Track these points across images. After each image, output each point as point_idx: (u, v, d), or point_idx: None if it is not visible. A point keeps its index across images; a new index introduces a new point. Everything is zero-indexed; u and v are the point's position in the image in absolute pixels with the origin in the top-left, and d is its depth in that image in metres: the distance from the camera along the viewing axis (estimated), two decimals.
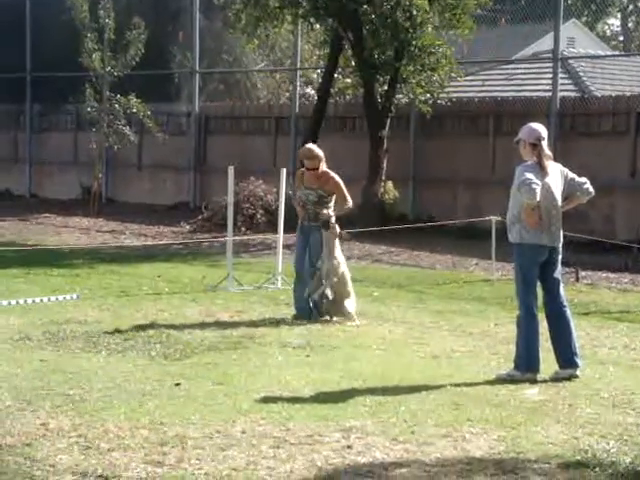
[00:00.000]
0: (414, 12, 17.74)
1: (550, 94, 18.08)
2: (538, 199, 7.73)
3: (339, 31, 18.68)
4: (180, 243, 17.56)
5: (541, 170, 7.87)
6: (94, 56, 22.30)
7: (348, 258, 15.37)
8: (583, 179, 8.19)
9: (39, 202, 25.29)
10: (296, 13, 18.96)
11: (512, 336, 8.31)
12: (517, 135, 8.10)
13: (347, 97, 21.02)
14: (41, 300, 11.23)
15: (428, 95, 18.75)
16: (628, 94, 18.37)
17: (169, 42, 24.96)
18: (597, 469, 5.72)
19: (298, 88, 22.07)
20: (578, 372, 7.95)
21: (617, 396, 7.41)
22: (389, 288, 12.95)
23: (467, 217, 16.85)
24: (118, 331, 9.55)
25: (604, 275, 13.99)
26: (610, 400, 7.29)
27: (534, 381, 7.79)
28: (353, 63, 19.08)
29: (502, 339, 9.46)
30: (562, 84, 18.89)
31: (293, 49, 22.34)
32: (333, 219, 10.54)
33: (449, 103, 19.25)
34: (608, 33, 44.63)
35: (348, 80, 20.62)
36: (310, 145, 10.99)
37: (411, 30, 17.86)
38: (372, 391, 7.38)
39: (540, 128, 8.05)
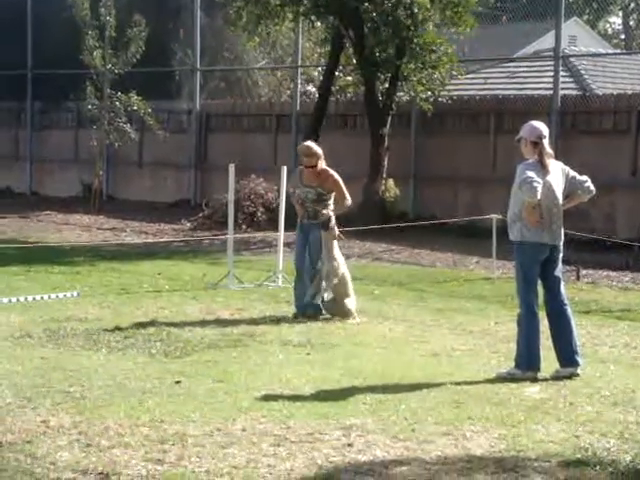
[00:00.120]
0: (415, 10, 17.74)
1: (551, 92, 18.08)
2: (539, 197, 7.72)
3: (340, 29, 18.67)
4: (181, 241, 17.57)
5: (542, 168, 7.87)
6: (95, 53, 22.30)
7: (348, 257, 15.40)
8: (584, 177, 8.18)
9: (40, 199, 25.29)
10: (297, 11, 18.96)
11: (513, 334, 8.31)
12: (518, 133, 8.09)
13: (348, 95, 21.01)
14: (42, 298, 11.23)
15: (429, 93, 18.75)
16: (629, 92, 18.36)
17: (170, 39, 24.95)
18: (597, 467, 5.71)
19: (299, 86, 22.07)
20: (579, 370, 7.94)
21: (618, 394, 7.40)
22: (390, 286, 12.94)
23: (468, 215, 16.84)
24: (118, 329, 9.55)
25: (605, 273, 13.99)
26: (611, 398, 7.29)
27: (535, 379, 7.78)
28: (354, 61, 19.08)
29: (503, 337, 9.46)
30: (563, 82, 18.88)
31: (294, 47, 22.33)
32: (333, 218, 10.54)
33: (450, 101, 19.23)
34: (609, 31, 44.62)
35: (349, 78, 20.61)
36: (308, 142, 10.98)
37: (412, 28, 17.86)
38: (372, 389, 7.37)
39: (541, 126, 8.04)
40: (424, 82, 18.64)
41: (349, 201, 10.68)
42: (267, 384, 7.49)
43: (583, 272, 13.79)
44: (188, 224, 19.72)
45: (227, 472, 5.54)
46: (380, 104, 18.51)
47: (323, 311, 10.47)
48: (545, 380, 7.81)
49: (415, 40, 17.96)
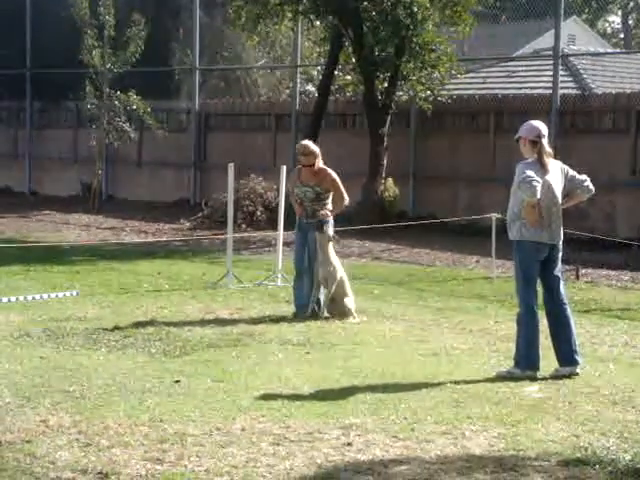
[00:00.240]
0: (415, 9, 17.74)
1: (551, 91, 18.08)
2: (538, 197, 7.72)
3: (339, 28, 18.67)
4: (180, 240, 17.57)
5: (541, 168, 7.86)
6: (94, 53, 22.32)
7: (348, 256, 15.41)
8: (583, 177, 8.18)
9: (39, 199, 25.29)
10: (296, 10, 18.97)
11: (512, 334, 8.31)
12: (517, 132, 8.09)
13: (347, 94, 21.01)
14: (41, 297, 11.23)
15: (428, 92, 18.76)
16: (628, 92, 18.36)
17: (169, 39, 24.96)
18: (597, 466, 5.71)
19: (298, 85, 22.07)
20: (578, 370, 7.94)
21: (617, 394, 7.40)
22: (389, 285, 12.95)
23: (467, 215, 16.83)
24: (118, 328, 9.55)
25: (604, 273, 14.00)
26: (610, 398, 7.29)
27: (534, 378, 7.78)
28: (353, 60, 19.07)
29: (502, 337, 9.46)
30: (562, 81, 18.88)
31: (293, 46, 22.32)
32: (330, 218, 10.54)
33: (449, 100, 19.23)
34: (609, 30, 44.65)
35: (348, 77, 20.61)
36: (306, 142, 10.97)
37: (412, 27, 17.85)
38: (372, 388, 7.37)
39: (540, 125, 8.04)
40: (423, 81, 18.64)
41: (347, 200, 10.68)
42: (266, 383, 7.49)
43: (582, 271, 13.79)
44: (187, 223, 19.72)
45: (226, 471, 5.54)
46: (379, 103, 18.50)
47: (323, 312, 10.46)
48: (544, 379, 7.81)
49: (414, 39, 17.95)
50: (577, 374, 7.90)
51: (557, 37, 18.05)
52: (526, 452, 5.98)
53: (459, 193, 19.15)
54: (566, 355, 7.96)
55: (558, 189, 8.01)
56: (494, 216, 13.38)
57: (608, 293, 12.51)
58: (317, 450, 5.92)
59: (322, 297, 10.47)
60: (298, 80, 22.06)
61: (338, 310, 10.41)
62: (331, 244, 10.45)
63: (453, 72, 19.24)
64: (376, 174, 18.52)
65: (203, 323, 9.96)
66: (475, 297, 12.06)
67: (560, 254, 8.11)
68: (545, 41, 23.77)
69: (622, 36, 43.72)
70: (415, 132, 19.78)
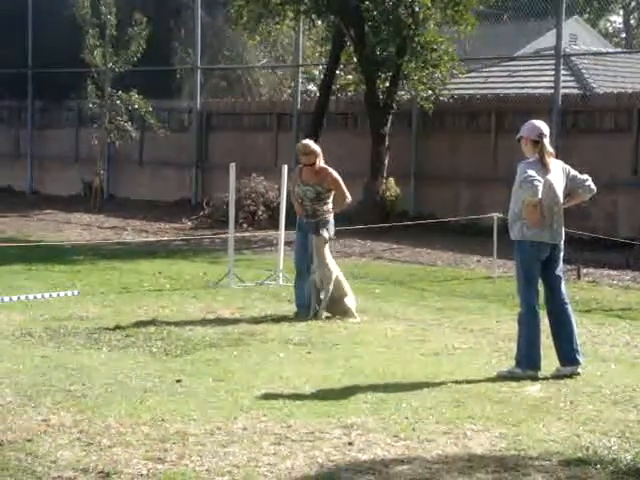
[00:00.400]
0: (416, 8, 17.75)
1: (552, 91, 18.08)
2: (540, 196, 7.72)
3: (341, 27, 18.68)
4: (181, 239, 17.57)
5: (543, 167, 7.86)
6: (96, 52, 22.33)
7: (349, 255, 15.43)
8: (585, 176, 8.18)
9: (40, 198, 25.29)
10: (298, 9, 18.97)
11: (513, 333, 8.31)
12: (519, 132, 8.09)
13: (349, 94, 21.01)
14: (42, 296, 11.24)
15: (430, 92, 18.76)
16: (630, 91, 18.36)
17: (171, 38, 24.96)
18: (598, 466, 5.71)
19: (300, 85, 22.07)
20: (579, 369, 7.94)
21: (618, 393, 7.40)
22: (390, 285, 12.94)
23: (469, 214, 16.83)
24: (119, 327, 9.55)
25: (606, 272, 13.99)
26: (611, 397, 7.29)
27: (535, 378, 7.78)
28: (355, 60, 19.08)
29: (503, 336, 9.45)
30: (564, 81, 18.87)
31: (295, 45, 22.32)
32: (331, 218, 10.54)
33: (451, 100, 19.23)
34: (610, 30, 44.63)
35: (350, 77, 20.61)
36: (306, 141, 10.98)
37: (413, 27, 17.86)
38: (373, 388, 7.37)
39: (542, 125, 8.03)
40: (425, 81, 18.64)
41: (349, 199, 10.68)
42: (268, 383, 7.49)
43: (584, 271, 13.79)
44: (189, 223, 19.73)
45: (228, 471, 5.54)
46: (381, 103, 18.50)
47: (321, 314, 10.44)
48: (546, 379, 7.81)
49: (416, 39, 17.96)
50: (578, 374, 7.90)
51: (559, 37, 18.05)
52: (527, 452, 5.98)
53: (460, 193, 19.15)
54: (567, 355, 7.96)
55: (559, 189, 8.01)
56: (495, 216, 13.38)
57: (609, 293, 12.51)
58: (318, 449, 5.92)
59: (322, 297, 10.46)
60: (299, 80, 22.06)
61: (339, 310, 10.41)
62: (327, 246, 10.43)
63: (454, 72, 19.24)
64: (377, 174, 18.52)
65: (204, 322, 9.96)
66: (476, 297, 12.06)
67: (561, 254, 8.10)
68: (547, 41, 23.75)
69: (624, 36, 43.71)
70: (416, 132, 19.79)
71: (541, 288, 8.07)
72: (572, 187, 8.13)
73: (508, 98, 19.22)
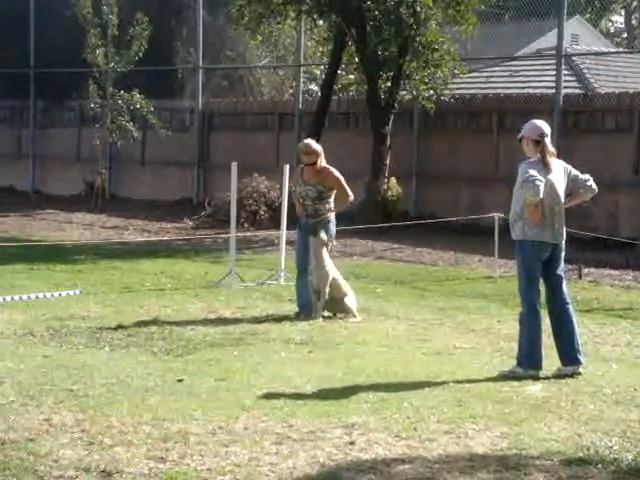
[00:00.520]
0: (418, 8, 17.75)
1: (553, 91, 18.08)
2: (541, 196, 7.72)
3: (342, 27, 18.68)
4: (183, 239, 17.58)
5: (544, 167, 7.86)
6: (97, 52, 22.35)
7: (351, 255, 15.43)
8: (586, 176, 8.18)
9: (42, 198, 25.31)
10: (299, 9, 18.97)
11: (515, 333, 8.31)
12: (520, 132, 8.09)
13: (350, 93, 21.01)
14: (44, 296, 11.24)
15: (431, 92, 18.76)
16: (631, 91, 18.35)
17: (172, 38, 24.96)
18: (599, 466, 5.72)
19: (301, 84, 22.08)
20: (581, 369, 7.94)
21: (620, 393, 7.40)
22: (392, 285, 12.95)
23: (470, 214, 16.83)
24: (121, 327, 9.56)
25: (607, 272, 14.00)
26: (613, 397, 7.29)
27: (537, 378, 7.78)
28: (356, 59, 19.08)
29: (505, 336, 9.46)
30: (565, 81, 18.87)
31: (296, 45, 22.33)
32: (333, 217, 10.54)
33: (452, 100, 19.24)
34: (612, 30, 44.61)
35: (351, 76, 20.63)
36: (308, 140, 10.99)
37: (415, 26, 17.87)
38: (375, 387, 7.38)
39: (543, 125, 8.04)
40: (426, 81, 18.65)
41: (352, 197, 10.70)
42: (269, 382, 7.50)
43: (585, 271, 13.79)
44: (190, 222, 19.74)
45: (229, 470, 5.55)
46: (382, 103, 18.51)
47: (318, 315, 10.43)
48: (547, 378, 7.81)
49: (417, 38, 17.97)
50: (580, 373, 7.90)
51: (560, 36, 18.04)
52: (529, 451, 5.98)
53: (462, 193, 19.15)
54: (569, 354, 7.96)
55: (561, 188, 8.01)
56: (497, 216, 13.39)
57: (611, 292, 12.51)
58: (320, 449, 5.92)
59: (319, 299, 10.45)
60: (301, 79, 22.07)
61: (339, 309, 10.42)
62: (325, 248, 10.42)
63: (456, 71, 19.25)
64: (379, 173, 18.52)
65: (206, 322, 9.96)
66: (478, 296, 12.06)
67: (563, 253, 8.11)
68: (548, 40, 23.74)
69: (625, 35, 43.69)
70: (418, 131, 19.79)
71: (542, 288, 8.07)
72: (573, 187, 8.13)
73: (509, 98, 19.22)
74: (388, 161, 18.60)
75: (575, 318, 8.12)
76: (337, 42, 19.42)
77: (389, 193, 18.60)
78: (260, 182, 19.60)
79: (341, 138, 19.86)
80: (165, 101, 23.62)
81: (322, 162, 10.59)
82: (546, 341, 8.01)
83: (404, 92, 18.95)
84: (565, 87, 18.50)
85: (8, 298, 10.96)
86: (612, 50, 29.90)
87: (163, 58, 24.03)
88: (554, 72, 18.29)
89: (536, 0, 23.25)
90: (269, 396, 7.09)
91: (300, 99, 21.68)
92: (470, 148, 18.97)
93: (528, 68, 22.96)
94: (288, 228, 12.73)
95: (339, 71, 20.07)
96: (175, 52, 25.08)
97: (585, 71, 22.26)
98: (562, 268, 8.14)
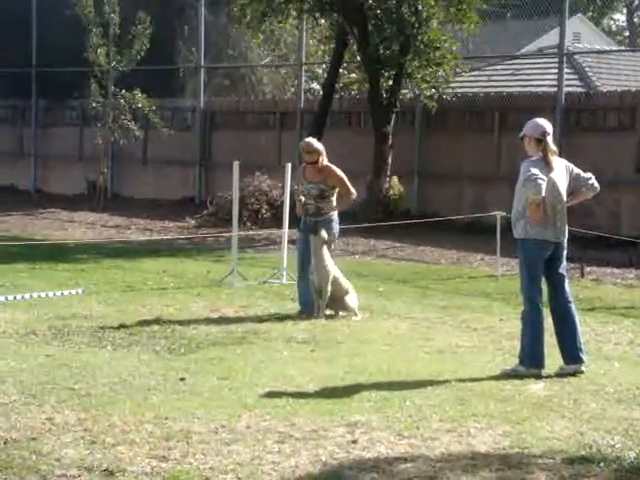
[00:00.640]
0: (419, 7, 17.75)
1: (555, 89, 18.08)
2: (543, 194, 7.72)
3: (344, 26, 18.68)
4: (185, 238, 17.57)
5: (546, 165, 7.86)
6: (99, 51, 22.36)
7: (353, 253, 15.43)
8: (588, 174, 8.18)
9: (44, 197, 25.31)
10: (301, 8, 18.97)
11: (517, 331, 8.31)
12: (522, 130, 8.09)
13: (352, 92, 21.00)
14: (46, 295, 11.25)
15: (433, 90, 18.76)
16: (633, 89, 18.34)
17: (174, 37, 24.96)
18: (602, 464, 5.72)
19: (303, 83, 22.08)
20: (583, 368, 7.94)
21: (622, 391, 7.40)
22: (394, 283, 12.94)
23: (472, 213, 16.83)
24: (123, 326, 9.56)
25: (609, 271, 13.98)
26: (615, 395, 7.29)
27: (539, 376, 7.78)
28: (358, 58, 19.09)
29: (507, 334, 9.45)
30: (567, 79, 18.87)
31: (298, 44, 22.31)
32: (335, 216, 10.54)
33: (454, 98, 19.23)
34: (614, 28, 44.59)
35: (353, 75, 20.63)
36: (309, 139, 11.00)
37: (416, 25, 17.86)
38: (377, 386, 7.38)
39: (545, 123, 8.03)
40: (428, 79, 18.64)
41: (354, 194, 10.71)
42: (271, 381, 7.50)
43: (587, 269, 13.77)
44: (192, 221, 19.73)
45: (232, 469, 5.55)
46: (384, 101, 18.50)
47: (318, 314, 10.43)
48: (549, 377, 7.81)
49: (419, 37, 17.96)
50: (582, 372, 7.90)
51: (562, 35, 18.03)
52: (531, 450, 5.98)
53: (464, 191, 19.15)
54: (571, 353, 7.96)
55: (563, 187, 8.01)
56: (499, 214, 13.38)
57: (613, 291, 12.51)
58: (322, 448, 5.93)
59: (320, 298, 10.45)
60: (303, 78, 22.06)
61: (341, 308, 10.41)
62: (325, 247, 10.42)
63: (458, 70, 19.24)
64: (381, 172, 18.52)
65: (208, 321, 9.96)
66: (480, 295, 12.06)
67: (565, 252, 8.10)
68: (550, 39, 23.75)
69: (627, 34, 43.67)
70: (420, 130, 19.78)
71: (545, 286, 8.07)
72: (575, 185, 8.13)
73: (511, 96, 19.21)
74: (390, 160, 18.59)
75: (577, 317, 8.12)
76: (339, 41, 19.42)
77: (391, 192, 18.60)
78: (262, 181, 19.59)
79: (343, 137, 19.85)
80: (167, 100, 23.63)
81: (324, 160, 10.60)
82: (548, 340, 8.01)
83: (406, 91, 18.94)
84: (567, 85, 18.50)
85: (10, 297, 10.96)
86: (614, 48, 29.89)
87: (165, 57, 24.02)
88: (556, 70, 18.27)
89: None
90: (271, 395, 7.10)
91: (302, 98, 21.67)
92: (472, 147, 18.96)
93: (530, 67, 22.94)
94: (290, 227, 12.73)
95: (341, 70, 20.07)
96: (177, 51, 25.08)
97: (587, 69, 22.25)
98: (564, 267, 8.14)
